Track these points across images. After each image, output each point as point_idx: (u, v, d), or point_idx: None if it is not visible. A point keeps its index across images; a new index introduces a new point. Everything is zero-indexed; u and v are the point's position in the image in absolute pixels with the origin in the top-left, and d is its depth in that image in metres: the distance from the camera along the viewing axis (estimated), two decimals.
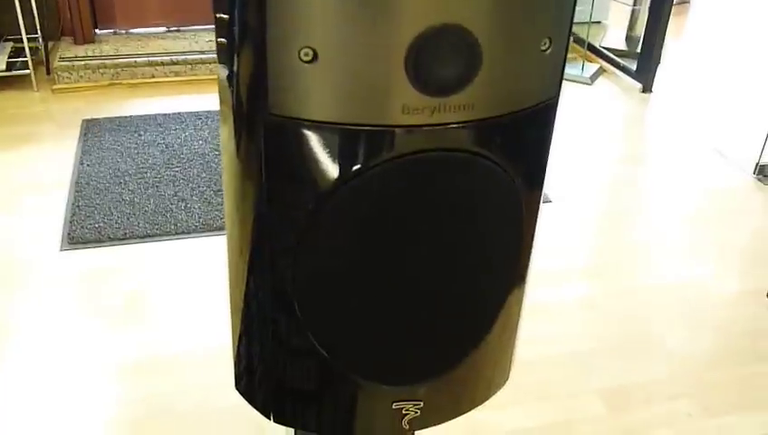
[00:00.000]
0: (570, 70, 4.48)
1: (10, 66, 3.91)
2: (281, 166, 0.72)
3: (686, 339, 2.66)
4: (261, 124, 0.70)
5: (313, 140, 0.70)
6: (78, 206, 3.08)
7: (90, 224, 2.97)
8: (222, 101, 0.76)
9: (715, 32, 5.46)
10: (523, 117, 0.73)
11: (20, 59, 3.91)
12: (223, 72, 0.73)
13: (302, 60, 0.66)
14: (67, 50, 4.17)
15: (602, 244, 3.18)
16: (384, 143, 0.70)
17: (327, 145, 0.70)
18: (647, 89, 4.32)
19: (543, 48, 0.71)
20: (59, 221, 3.02)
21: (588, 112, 4.35)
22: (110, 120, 3.81)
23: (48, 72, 4.10)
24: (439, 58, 0.66)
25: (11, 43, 4.06)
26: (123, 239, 2.89)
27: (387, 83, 0.66)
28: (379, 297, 0.78)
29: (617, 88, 4.68)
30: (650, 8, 4.18)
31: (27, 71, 3.88)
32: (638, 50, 4.33)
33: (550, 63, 0.73)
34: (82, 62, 4.03)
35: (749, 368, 2.55)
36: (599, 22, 4.87)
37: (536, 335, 2.71)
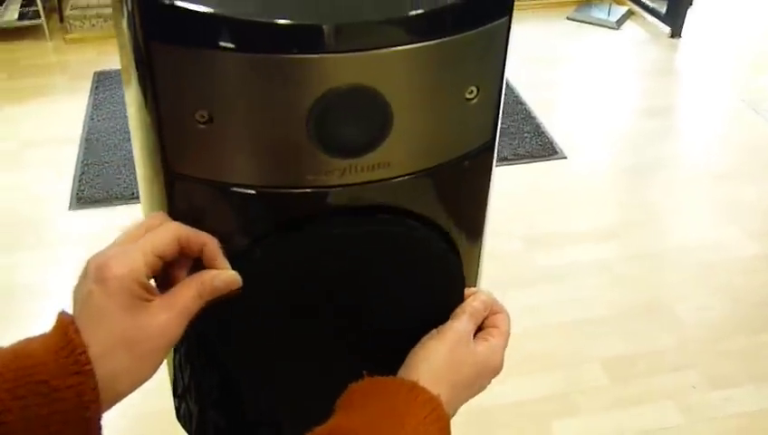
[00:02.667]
0: (596, 13, 4.28)
1: (22, 16, 3.88)
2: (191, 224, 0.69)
3: (699, 307, 2.59)
4: (165, 183, 0.66)
5: (218, 201, 0.66)
6: (87, 163, 3.08)
7: (99, 183, 2.98)
8: (137, 151, 0.72)
9: None
10: (446, 169, 0.68)
11: (31, 8, 3.88)
12: (133, 124, 0.69)
13: (196, 121, 0.61)
14: None
15: (620, 203, 3.09)
16: (290, 206, 0.65)
17: (232, 207, 0.66)
18: (676, 34, 4.11)
19: (469, 97, 0.65)
20: (68, 179, 3.03)
21: (611, 59, 4.17)
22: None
23: (61, 21, 4.06)
24: (344, 120, 0.61)
25: None
26: (132, 199, 2.90)
27: (289, 146, 0.62)
28: (298, 358, 0.75)
29: (645, 33, 4.46)
30: None
31: (39, 20, 3.85)
32: None
33: (478, 111, 0.67)
34: (95, 11, 3.98)
35: (760, 338, 2.49)
36: None
37: (543, 301, 2.68)
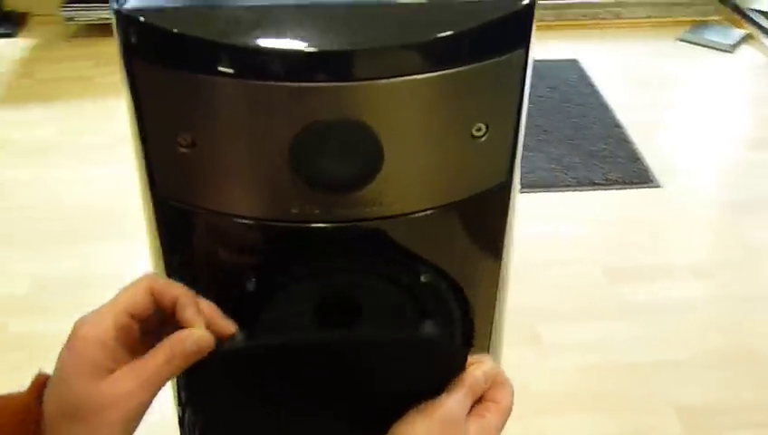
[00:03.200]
0: (710, 35, 4.04)
1: None
2: (176, 249, 0.66)
3: None
4: (153, 205, 0.64)
5: (203, 228, 0.63)
6: None
7: None
8: None
9: None
10: (450, 211, 0.62)
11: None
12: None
13: (179, 145, 0.58)
14: None
15: (716, 240, 2.88)
16: (276, 239, 0.61)
17: (218, 235, 0.63)
18: None
19: (477, 134, 0.59)
20: None
21: (723, 84, 3.91)
22: None
23: None
24: (330, 155, 0.56)
25: None
26: None
27: (273, 177, 0.58)
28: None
29: (762, 57, 4.17)
30: None
31: None
32: None
33: (488, 150, 0.61)
34: None
35: None
36: None
37: (620, 337, 2.52)
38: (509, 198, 0.66)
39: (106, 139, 3.50)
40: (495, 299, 0.74)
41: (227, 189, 0.60)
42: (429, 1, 0.56)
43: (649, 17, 4.27)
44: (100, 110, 3.84)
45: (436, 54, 0.55)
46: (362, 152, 0.57)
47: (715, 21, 4.20)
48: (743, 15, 4.25)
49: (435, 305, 0.71)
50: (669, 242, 2.96)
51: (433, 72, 0.55)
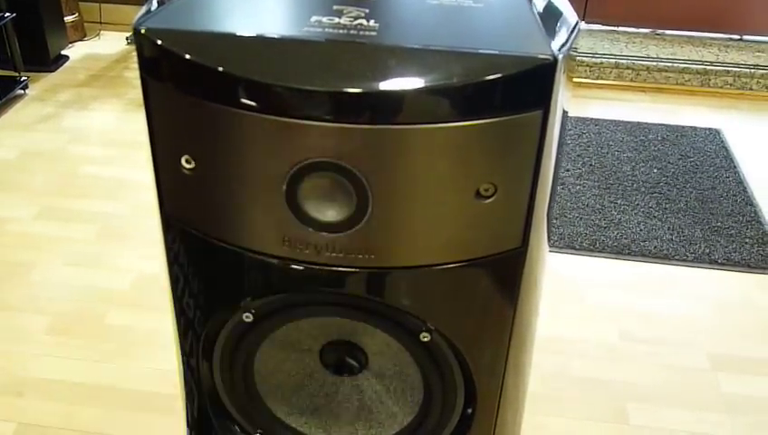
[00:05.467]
0: None
1: None
2: (181, 269, 0.66)
3: None
4: (162, 221, 0.65)
5: (202, 251, 0.63)
6: None
7: None
8: None
9: None
10: (451, 272, 0.58)
11: None
12: None
13: (184, 167, 0.58)
14: None
15: None
16: (267, 273, 0.60)
17: (215, 260, 0.63)
18: None
19: (485, 193, 0.55)
20: None
21: None
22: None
23: None
24: (318, 194, 0.55)
25: None
26: None
27: (265, 207, 0.57)
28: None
29: None
30: None
31: None
32: None
33: (496, 211, 0.57)
34: None
35: None
36: None
37: (715, 431, 2.32)
38: (524, 266, 0.62)
39: None
40: (505, 368, 0.69)
41: (224, 217, 0.59)
42: (448, 48, 0.53)
43: None
44: None
45: (442, 105, 0.52)
46: (347, 196, 0.54)
47: None
48: None
49: (435, 366, 0.67)
50: None
51: (436, 123, 0.52)
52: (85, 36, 3.20)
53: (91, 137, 2.76)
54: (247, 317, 0.66)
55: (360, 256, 0.57)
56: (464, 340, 0.64)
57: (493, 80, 0.51)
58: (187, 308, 0.69)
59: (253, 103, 0.53)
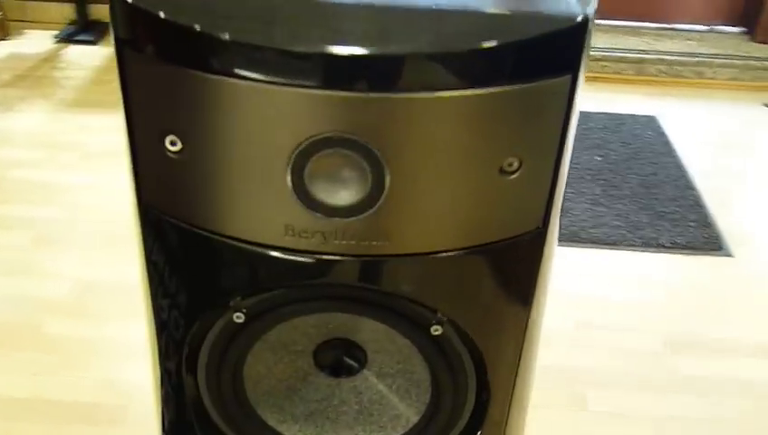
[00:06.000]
0: None
1: None
2: (162, 266, 0.59)
3: None
4: (138, 212, 0.57)
5: (187, 244, 0.56)
6: None
7: None
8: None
9: None
10: (468, 257, 0.53)
11: None
12: None
13: (168, 150, 0.52)
14: None
15: None
16: (265, 268, 0.54)
17: (202, 255, 0.56)
18: None
19: (509, 169, 0.51)
20: None
21: None
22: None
23: None
24: (329, 173, 0.49)
25: None
26: None
27: (266, 192, 0.50)
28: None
29: None
30: None
31: None
32: None
33: (519, 189, 0.52)
34: None
35: None
36: None
37: (677, 414, 2.34)
38: (543, 249, 0.57)
39: None
40: (519, 359, 0.65)
41: (215, 205, 0.53)
42: (470, 8, 0.48)
43: (734, 79, 4.09)
44: None
45: (465, 70, 0.46)
46: (362, 175, 0.49)
47: None
48: None
49: (445, 361, 0.62)
50: (737, 316, 2.76)
51: (462, 90, 0.46)
52: (8, 35, 3.03)
53: (18, 139, 2.61)
54: (238, 318, 0.59)
55: (374, 243, 0.51)
56: (480, 330, 0.59)
57: (524, 41, 0.46)
58: (166, 311, 0.62)
59: (251, 71, 0.46)
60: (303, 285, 0.55)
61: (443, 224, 0.52)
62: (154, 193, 0.55)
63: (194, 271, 0.57)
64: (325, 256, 0.52)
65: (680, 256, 3.02)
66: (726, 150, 3.65)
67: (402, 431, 0.69)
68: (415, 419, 0.68)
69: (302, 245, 0.52)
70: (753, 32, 4.11)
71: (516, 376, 0.65)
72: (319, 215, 0.50)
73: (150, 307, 0.64)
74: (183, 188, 0.53)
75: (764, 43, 4.22)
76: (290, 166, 0.48)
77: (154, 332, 0.66)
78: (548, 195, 0.54)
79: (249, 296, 0.58)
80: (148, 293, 0.63)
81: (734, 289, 3.01)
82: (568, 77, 0.49)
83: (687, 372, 2.54)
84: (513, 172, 0.51)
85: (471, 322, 0.58)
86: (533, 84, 0.48)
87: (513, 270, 0.57)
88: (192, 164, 0.51)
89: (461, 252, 0.53)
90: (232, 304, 0.59)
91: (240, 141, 0.49)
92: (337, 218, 0.50)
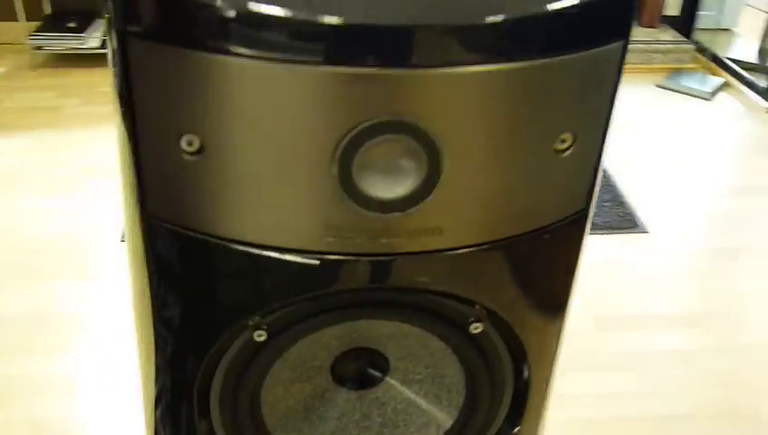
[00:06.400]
0: (688, 82, 4.04)
1: (104, 43, 3.91)
2: (169, 287, 0.52)
3: None
4: (142, 230, 0.50)
5: (205, 261, 0.49)
6: None
7: None
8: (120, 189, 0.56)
9: None
10: (519, 245, 0.50)
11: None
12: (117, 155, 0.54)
13: (182, 150, 0.45)
14: None
15: (704, 289, 2.80)
16: (302, 278, 0.48)
17: (225, 268, 0.49)
18: None
19: (561, 147, 0.47)
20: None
21: (703, 131, 3.90)
22: None
23: None
24: (380, 164, 0.44)
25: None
26: None
27: (305, 191, 0.45)
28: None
29: (740, 106, 4.18)
30: None
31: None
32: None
33: (571, 168, 0.49)
34: None
35: None
36: (727, 29, 4.37)
37: (612, 390, 2.40)
38: (583, 233, 0.54)
39: (70, 171, 3.32)
40: (555, 354, 0.61)
41: (243, 211, 0.46)
42: None
43: (627, 62, 4.26)
44: (66, 141, 3.67)
45: (526, 39, 0.42)
46: (418, 161, 0.44)
47: (693, 69, 4.22)
48: (720, 64, 4.29)
49: (483, 360, 0.58)
50: (661, 289, 2.87)
51: (518, 61, 0.42)
52: None
53: None
54: (260, 336, 0.53)
55: (425, 239, 0.46)
56: (523, 322, 0.55)
57: (582, 6, 0.43)
58: (172, 343, 0.55)
59: (290, 52, 0.40)
60: (336, 292, 0.50)
61: (496, 211, 0.48)
62: (162, 203, 0.48)
63: (211, 289, 0.51)
64: (371, 258, 0.47)
65: (600, 235, 3.11)
66: (627, 131, 3.80)
67: None
68: (447, 424, 0.64)
69: (346, 247, 0.46)
70: (638, 17, 4.29)
71: (553, 365, 0.62)
72: (366, 212, 0.45)
73: (150, 346, 0.56)
74: (200, 194, 0.46)
75: (650, 27, 4.42)
76: (336, 158, 0.43)
77: (151, 375, 0.59)
78: (593, 172, 0.51)
79: (273, 312, 0.52)
80: (148, 325, 0.55)
81: (654, 263, 3.13)
82: (620, 43, 0.46)
83: (622, 348, 2.61)
84: (565, 149, 0.47)
85: (514, 313, 0.54)
86: (589, 52, 0.45)
87: (558, 255, 0.54)
88: (213, 166, 0.45)
89: (511, 240, 0.49)
90: (251, 322, 0.52)
91: (274, 136, 0.43)
92: (387, 214, 0.45)
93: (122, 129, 0.47)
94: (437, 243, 0.47)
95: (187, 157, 0.45)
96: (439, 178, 0.44)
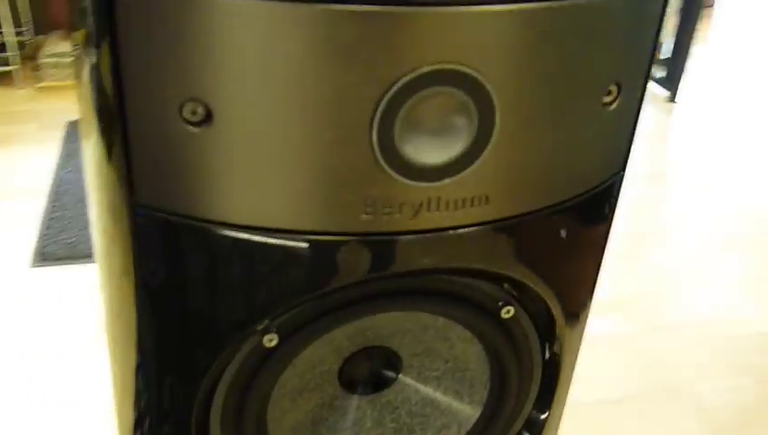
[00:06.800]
0: None
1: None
2: (162, 290, 0.44)
3: (723, 389, 2.35)
4: (128, 223, 0.42)
5: (212, 255, 0.42)
6: (53, 217, 2.81)
7: (64, 238, 2.71)
8: (89, 182, 0.48)
9: (740, 37, 5.13)
10: (563, 213, 0.45)
11: (5, 54, 3.65)
12: (84, 139, 0.46)
13: (185, 120, 0.38)
14: (56, 45, 3.89)
15: (625, 272, 2.87)
16: (331, 267, 0.41)
17: (233, 262, 0.42)
18: (673, 98, 4.00)
19: (607, 100, 0.43)
20: (33, 233, 2.76)
21: None
22: None
23: (36, 68, 3.84)
24: (429, 122, 0.38)
25: None
26: None
27: (338, 161, 0.38)
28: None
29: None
30: (681, 11, 3.86)
31: (11, 67, 3.62)
32: (666, 56, 4.00)
33: (616, 123, 0.45)
34: (72, 59, 3.76)
35: None
36: None
37: None
38: (617, 197, 0.50)
39: None
40: (584, 328, 0.57)
41: (261, 191, 0.39)
42: None
43: None
44: None
45: None
46: (468, 118, 0.38)
47: None
48: None
49: (512, 347, 0.52)
50: None
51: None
52: None
53: None
54: (270, 341, 0.46)
55: (471, 210, 0.41)
56: (560, 298, 0.50)
57: None
58: (165, 354, 0.47)
59: None
60: (361, 283, 0.43)
61: (544, 175, 0.42)
62: (157, 190, 0.40)
63: (216, 290, 0.43)
64: (410, 236, 0.41)
65: None
66: None
67: None
68: (469, 423, 0.58)
69: (384, 224, 0.40)
70: None
71: (581, 341, 0.57)
72: (409, 181, 0.39)
73: (130, 367, 0.48)
74: (204, 174, 0.39)
75: None
76: (377, 118, 0.37)
77: (129, 401, 0.50)
78: (631, 130, 0.47)
79: (286, 312, 0.44)
80: (128, 342, 0.47)
81: None
82: None
83: None
84: (611, 102, 0.43)
85: (552, 288, 0.49)
86: None
87: (594, 223, 0.49)
88: (222, 137, 0.37)
89: (556, 207, 0.44)
90: (260, 326, 0.45)
91: (300, 95, 0.36)
92: (433, 183, 0.39)
93: (104, 95, 0.39)
94: (483, 214, 0.41)
95: (190, 128, 0.37)
96: (491, 136, 0.39)
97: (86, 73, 0.41)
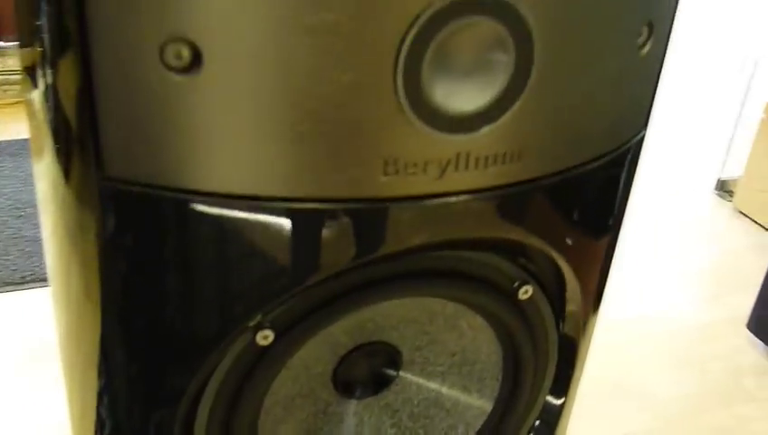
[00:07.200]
0: None
1: None
2: (134, 283, 0.37)
3: (671, 381, 2.37)
4: (93, 197, 0.35)
5: (193, 229, 0.35)
6: None
7: None
8: (34, 152, 0.40)
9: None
10: (596, 172, 0.40)
11: None
12: (31, 99, 0.38)
13: (167, 66, 0.31)
14: None
15: None
16: (340, 243, 0.35)
17: (226, 243, 0.35)
18: None
19: (640, 42, 0.38)
20: None
21: None
22: (13, 142, 3.33)
23: None
24: (461, 59, 0.32)
25: None
26: (22, 284, 2.44)
27: (356, 111, 0.32)
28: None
29: None
30: None
31: None
32: None
33: (645, 70, 0.40)
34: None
35: (737, 410, 2.28)
36: None
37: None
38: (639, 156, 0.45)
39: None
40: (597, 315, 0.52)
41: (262, 152, 0.32)
42: None
43: None
44: None
45: None
46: (506, 56, 0.33)
47: None
48: None
49: (528, 332, 0.47)
50: None
51: None
52: None
53: None
54: (264, 338, 0.39)
55: (504, 166, 0.35)
56: (584, 269, 0.45)
57: None
58: (136, 362, 0.39)
59: None
60: (368, 264, 0.37)
61: (580, 125, 0.37)
62: (131, 159, 0.33)
63: (205, 280, 0.36)
64: (437, 200, 0.35)
65: None
66: None
67: None
68: (478, 422, 0.52)
69: (407, 187, 0.34)
70: None
71: (594, 326, 0.53)
72: (438, 132, 0.33)
73: (91, 380, 0.40)
74: (191, 134, 0.32)
75: None
76: (401, 57, 0.31)
77: (89, 419, 0.42)
78: (655, 83, 0.42)
79: (284, 303, 0.38)
80: (91, 347, 0.39)
81: None
82: None
83: None
84: (643, 45, 0.38)
85: (576, 257, 0.44)
86: None
87: (619, 187, 0.45)
88: (214, 86, 0.31)
89: (588, 167, 0.39)
90: (252, 322, 0.38)
91: (310, 32, 0.30)
92: (462, 134, 0.33)
93: (65, 57, 0.32)
94: (517, 172, 0.36)
95: (173, 76, 0.31)
96: (529, 76, 0.33)
97: (42, 14, 0.34)
